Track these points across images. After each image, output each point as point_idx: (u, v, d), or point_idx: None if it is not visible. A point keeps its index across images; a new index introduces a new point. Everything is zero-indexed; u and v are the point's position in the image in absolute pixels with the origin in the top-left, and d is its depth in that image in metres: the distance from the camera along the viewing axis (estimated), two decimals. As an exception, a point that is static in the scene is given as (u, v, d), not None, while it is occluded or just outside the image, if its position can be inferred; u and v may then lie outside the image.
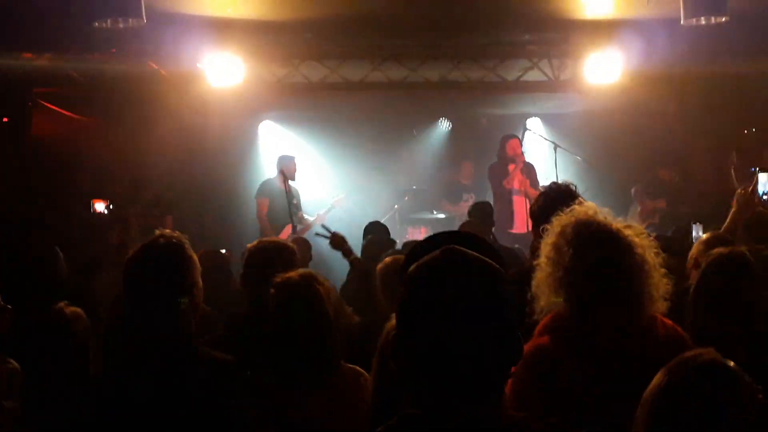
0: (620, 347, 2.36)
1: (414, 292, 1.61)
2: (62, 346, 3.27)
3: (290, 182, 9.59)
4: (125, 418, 2.56)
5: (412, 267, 1.65)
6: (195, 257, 2.77)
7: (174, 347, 2.66)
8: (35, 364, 3.17)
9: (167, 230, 2.80)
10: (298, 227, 9.35)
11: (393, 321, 2.25)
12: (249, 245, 3.81)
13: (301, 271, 3.14)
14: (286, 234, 9.03)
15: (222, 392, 2.61)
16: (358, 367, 3.00)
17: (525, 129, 10.21)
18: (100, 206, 5.34)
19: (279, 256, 3.68)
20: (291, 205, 9.31)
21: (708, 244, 4.03)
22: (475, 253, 1.65)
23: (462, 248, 1.65)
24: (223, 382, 2.63)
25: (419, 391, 1.60)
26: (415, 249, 1.85)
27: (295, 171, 9.69)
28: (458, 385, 1.55)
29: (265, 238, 3.97)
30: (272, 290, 3.01)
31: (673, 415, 1.77)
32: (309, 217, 9.59)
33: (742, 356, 1.92)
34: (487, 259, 1.65)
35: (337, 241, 5.77)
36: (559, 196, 3.36)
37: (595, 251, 2.38)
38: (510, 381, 2.35)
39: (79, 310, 3.37)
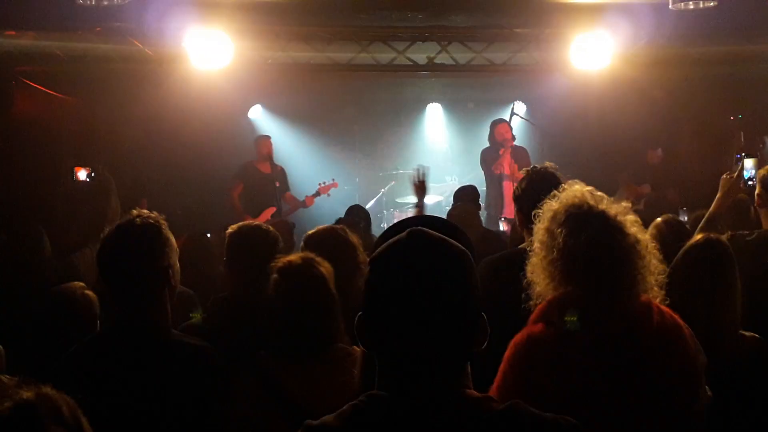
0: (613, 333, 2.32)
1: (377, 271, 1.63)
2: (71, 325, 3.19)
3: (275, 163, 9.60)
4: (87, 397, 2.51)
5: (377, 251, 1.68)
6: (172, 238, 2.72)
7: (148, 331, 2.61)
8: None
9: (144, 210, 2.75)
10: (284, 208, 9.35)
11: None
12: (229, 229, 3.75)
13: (301, 254, 3.18)
14: (266, 216, 9.01)
15: (196, 378, 2.55)
16: (347, 347, 3.02)
17: (512, 113, 10.20)
18: (82, 174, 5.27)
19: (263, 240, 3.64)
20: (272, 186, 9.32)
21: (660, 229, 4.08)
22: (440, 235, 1.66)
23: (427, 230, 1.66)
24: (198, 368, 2.57)
25: (382, 371, 1.61)
26: (385, 232, 1.87)
27: (270, 151, 9.68)
28: (417, 365, 1.57)
29: (245, 222, 3.88)
30: (274, 275, 3.03)
31: None
32: (298, 199, 9.62)
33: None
34: (453, 241, 1.66)
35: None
36: (542, 179, 3.37)
37: (588, 232, 2.35)
38: (500, 369, 2.36)
39: (90, 293, 3.31)
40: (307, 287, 2.99)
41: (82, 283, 3.38)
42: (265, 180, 9.50)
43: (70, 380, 2.54)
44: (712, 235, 3.31)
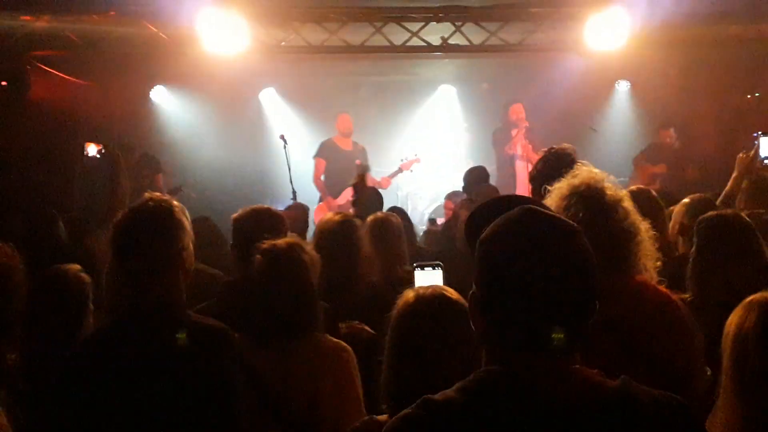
0: (605, 312, 2.31)
1: (496, 251, 1.59)
2: (60, 306, 3.27)
3: (355, 141, 9.42)
4: (107, 381, 2.52)
5: (488, 228, 1.63)
6: (185, 220, 2.72)
7: (161, 313, 2.61)
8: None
9: (157, 193, 2.76)
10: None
11: (409, 294, 2.29)
12: (236, 214, 3.72)
13: (288, 239, 3.18)
14: (344, 198, 8.78)
15: (210, 358, 2.54)
16: (343, 343, 3.07)
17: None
18: (92, 150, 5.27)
19: (268, 222, 3.61)
20: (353, 165, 9.17)
21: (691, 209, 4.00)
22: (551, 212, 1.68)
23: (538, 207, 1.66)
24: (212, 348, 2.55)
25: (502, 349, 1.57)
26: (476, 214, 1.87)
27: (349, 127, 9.46)
28: (545, 343, 1.53)
29: (252, 206, 3.82)
30: (258, 256, 3.05)
31: None
32: (375, 178, 9.35)
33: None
34: (563, 218, 1.67)
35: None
36: (558, 160, 3.36)
37: (584, 211, 2.36)
38: None
39: (84, 275, 3.39)
40: (287, 271, 2.99)
41: (78, 266, 3.42)
42: (346, 158, 9.26)
43: (89, 365, 2.58)
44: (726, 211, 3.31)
